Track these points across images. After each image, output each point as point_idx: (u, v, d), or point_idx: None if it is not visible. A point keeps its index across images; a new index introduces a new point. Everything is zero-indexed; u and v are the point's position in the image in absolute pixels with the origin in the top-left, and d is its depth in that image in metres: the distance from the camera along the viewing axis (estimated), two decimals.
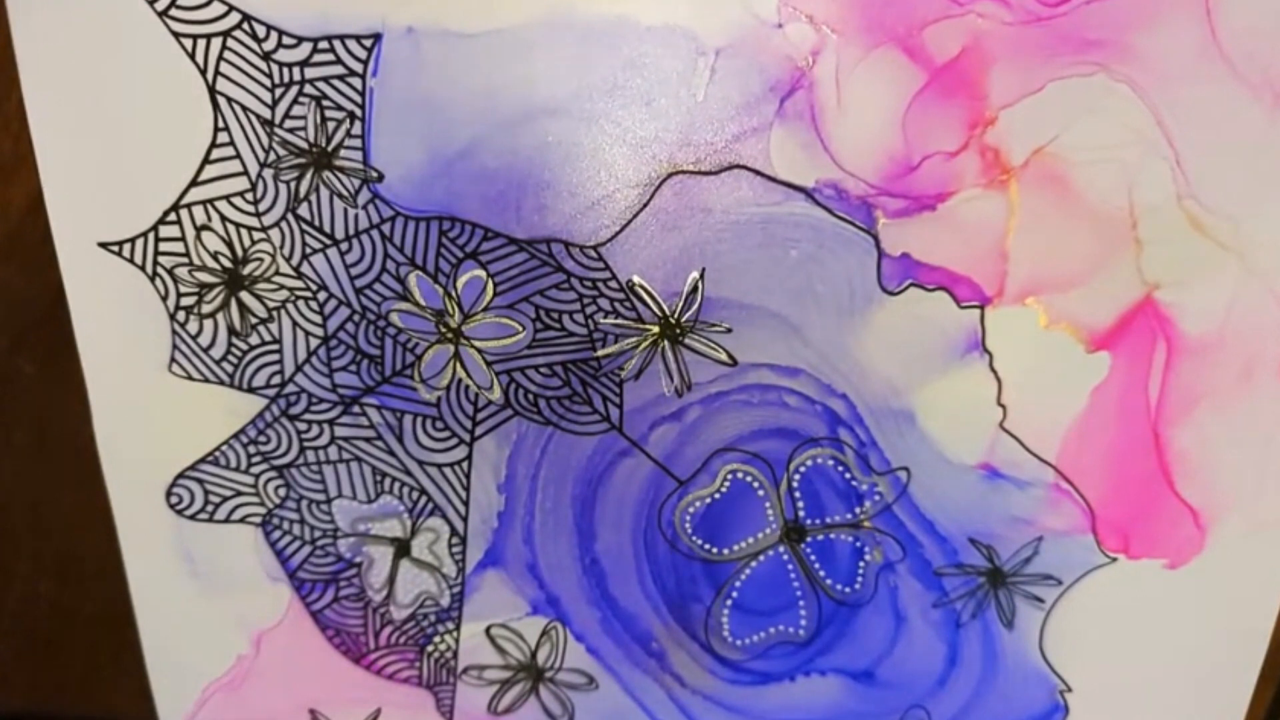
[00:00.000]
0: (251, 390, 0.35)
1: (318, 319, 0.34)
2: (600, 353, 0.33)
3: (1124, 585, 0.34)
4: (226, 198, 0.32)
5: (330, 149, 0.31)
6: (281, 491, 0.36)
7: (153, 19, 0.30)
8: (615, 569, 0.36)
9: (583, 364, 0.33)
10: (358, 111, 0.31)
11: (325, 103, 0.31)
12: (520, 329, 0.33)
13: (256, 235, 0.33)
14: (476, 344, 0.33)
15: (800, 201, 0.31)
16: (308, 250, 0.33)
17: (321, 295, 0.33)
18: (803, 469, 0.34)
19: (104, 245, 0.33)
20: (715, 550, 0.35)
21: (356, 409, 0.35)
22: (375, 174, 0.31)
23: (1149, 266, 0.31)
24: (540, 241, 0.32)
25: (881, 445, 0.33)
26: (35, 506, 0.38)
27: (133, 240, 0.33)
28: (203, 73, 0.31)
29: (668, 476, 0.35)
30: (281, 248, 0.33)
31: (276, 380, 0.35)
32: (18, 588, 0.40)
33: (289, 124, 0.31)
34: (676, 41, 0.30)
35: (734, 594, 0.36)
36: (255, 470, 0.36)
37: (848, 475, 0.34)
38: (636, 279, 0.32)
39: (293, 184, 0.32)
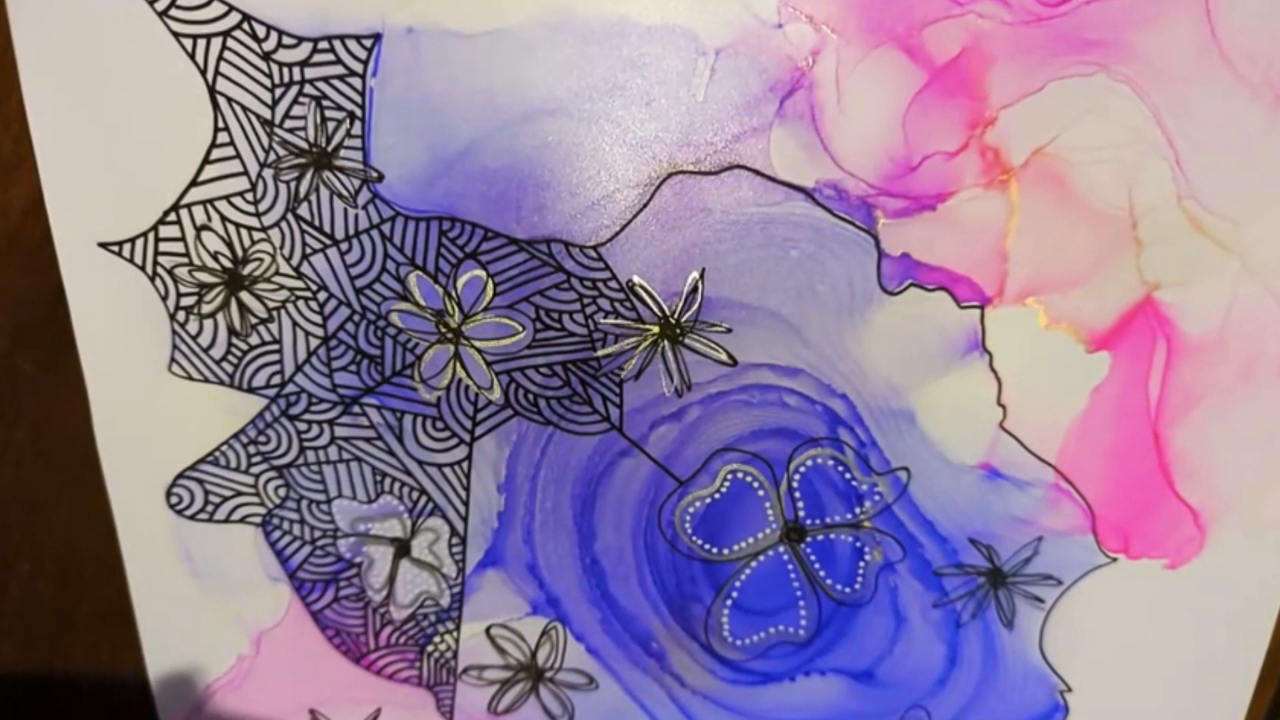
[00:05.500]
0: (251, 390, 0.35)
1: (318, 319, 0.34)
2: (600, 353, 0.33)
3: (1124, 585, 0.34)
4: (226, 198, 0.32)
5: (330, 149, 0.31)
6: (281, 491, 0.36)
7: (153, 19, 0.30)
8: (615, 569, 0.36)
9: (583, 364, 0.33)
10: (358, 111, 0.31)
11: (325, 103, 0.31)
12: (520, 329, 0.33)
13: (256, 235, 0.33)
14: (476, 344, 0.33)
15: (800, 201, 0.31)
16: (308, 250, 0.33)
17: (321, 295, 0.33)
18: (803, 469, 0.34)
19: (104, 245, 0.33)
20: (715, 550, 0.35)
21: (356, 409, 0.35)
22: (375, 174, 0.31)
23: (1149, 266, 0.31)
24: (540, 241, 0.32)
25: (881, 445, 0.33)
26: (35, 506, 0.38)
27: (133, 240, 0.33)
28: (203, 73, 0.31)
29: (668, 476, 0.35)
30: (281, 248, 0.33)
31: (276, 380, 0.35)
32: (18, 588, 0.40)
33: (289, 124, 0.31)
34: (676, 41, 0.30)
35: (734, 594, 0.36)
36: (255, 470, 0.36)
37: (848, 475, 0.34)
38: (636, 279, 0.32)
39: (293, 184, 0.32)
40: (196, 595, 0.38)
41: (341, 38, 0.30)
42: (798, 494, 0.35)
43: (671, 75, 0.30)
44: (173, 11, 0.30)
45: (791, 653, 0.37)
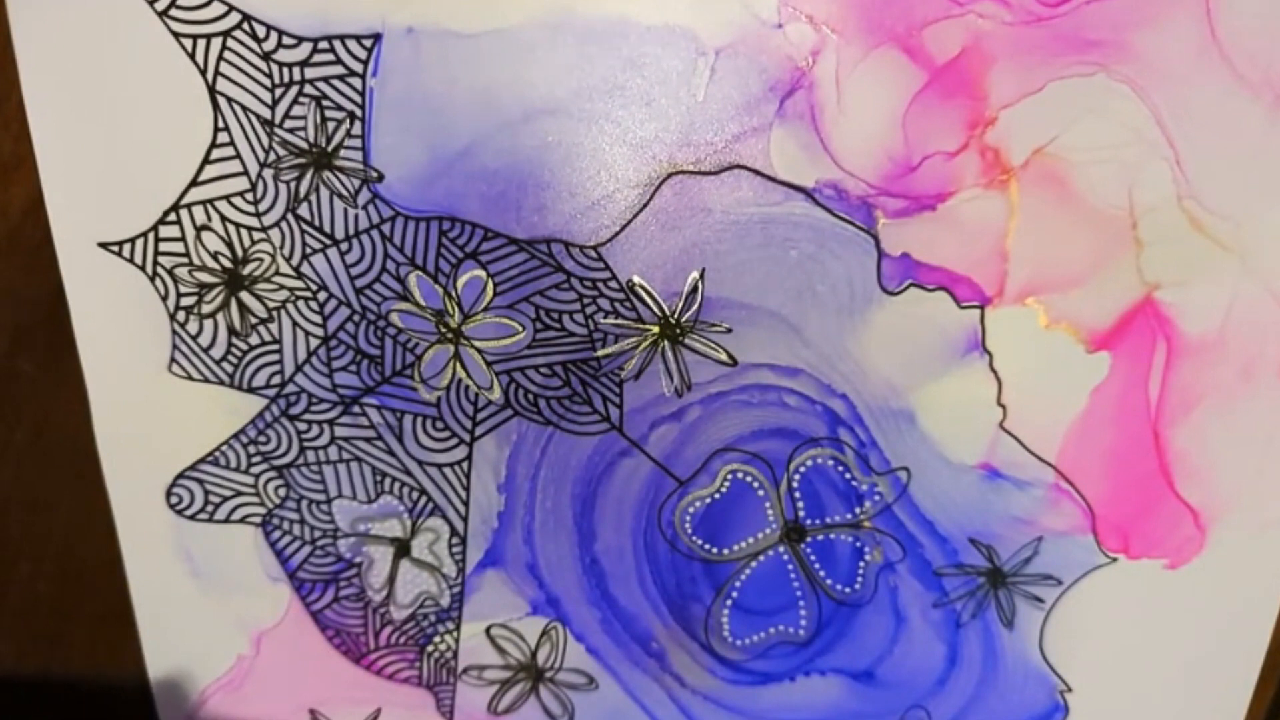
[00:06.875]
0: (251, 390, 0.35)
1: (318, 319, 0.34)
2: (600, 353, 0.33)
3: (1124, 585, 0.34)
4: (226, 198, 0.32)
5: (330, 149, 0.31)
6: (281, 491, 0.36)
7: (153, 19, 0.30)
8: (615, 569, 0.36)
9: (583, 364, 0.33)
10: (358, 111, 0.31)
11: (325, 103, 0.31)
12: (520, 329, 0.33)
13: (256, 235, 0.33)
14: (476, 344, 0.33)
15: (800, 201, 0.31)
16: (308, 250, 0.33)
17: (321, 295, 0.33)
18: (803, 469, 0.34)
19: (104, 245, 0.33)
20: (715, 550, 0.35)
21: (356, 409, 0.35)
22: (375, 174, 0.31)
23: (1149, 266, 0.31)
24: (540, 241, 0.32)
25: (881, 445, 0.33)
26: (35, 506, 0.38)
27: (133, 240, 0.33)
28: (203, 73, 0.31)
29: (668, 476, 0.35)
30: (281, 248, 0.33)
31: (276, 380, 0.35)
32: (17, 588, 0.40)
33: (289, 124, 0.31)
34: (676, 41, 0.30)
35: (734, 594, 0.36)
36: (255, 470, 0.36)
37: (848, 475, 0.34)
38: (636, 279, 0.32)
39: (293, 184, 0.32)
40: (196, 595, 0.38)
41: (341, 38, 0.30)
42: (798, 494, 0.35)
43: (671, 75, 0.30)
44: (173, 11, 0.30)
45: (791, 653, 0.37)
